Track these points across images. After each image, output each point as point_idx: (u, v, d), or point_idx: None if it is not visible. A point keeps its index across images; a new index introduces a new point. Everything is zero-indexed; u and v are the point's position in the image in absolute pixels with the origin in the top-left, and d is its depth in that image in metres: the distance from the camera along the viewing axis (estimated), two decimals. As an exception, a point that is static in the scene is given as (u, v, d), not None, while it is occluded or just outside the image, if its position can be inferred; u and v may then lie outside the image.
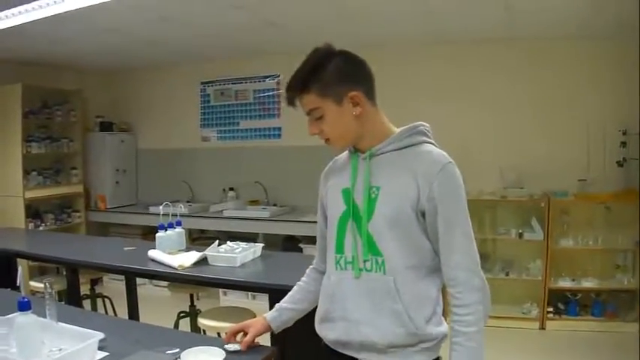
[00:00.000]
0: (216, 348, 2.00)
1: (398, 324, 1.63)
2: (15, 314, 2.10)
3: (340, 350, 1.77)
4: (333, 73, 1.63)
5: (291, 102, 1.69)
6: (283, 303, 2.00)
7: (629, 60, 4.99)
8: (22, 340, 1.96)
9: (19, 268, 2.25)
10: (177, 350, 1.91)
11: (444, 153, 1.68)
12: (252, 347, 1.97)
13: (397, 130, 1.74)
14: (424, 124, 1.76)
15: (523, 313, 5.18)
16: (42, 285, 4.00)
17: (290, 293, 2.02)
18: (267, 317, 1.98)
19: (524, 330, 5.03)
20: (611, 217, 5.06)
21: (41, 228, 6.32)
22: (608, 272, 5.15)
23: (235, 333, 1.97)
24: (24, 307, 2.07)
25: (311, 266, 2.04)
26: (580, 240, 5.10)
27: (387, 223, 1.63)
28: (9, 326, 2.03)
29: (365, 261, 1.67)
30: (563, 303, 5.16)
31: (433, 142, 1.74)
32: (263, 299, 5.33)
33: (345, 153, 1.84)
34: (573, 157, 5.24)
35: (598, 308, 5.06)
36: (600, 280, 5.08)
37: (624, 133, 5.04)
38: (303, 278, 2.04)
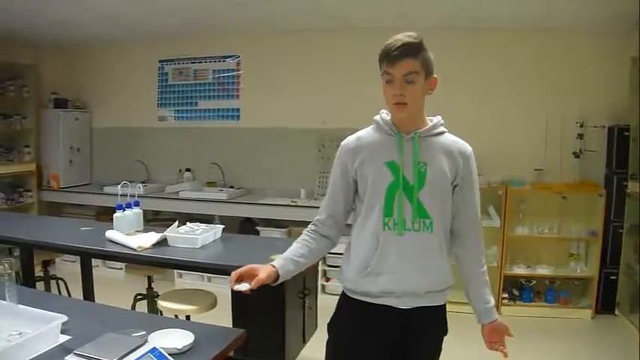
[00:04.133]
0: (184, 330, 1.97)
1: (438, 274, 2.08)
2: (-31, 296, 2.00)
3: (378, 301, 2.03)
4: (431, 56, 2.03)
5: (407, 54, 1.97)
6: (288, 254, 2.08)
7: (588, 54, 5.10)
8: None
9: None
10: (144, 332, 1.86)
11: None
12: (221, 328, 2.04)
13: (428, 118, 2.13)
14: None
15: (479, 298, 5.21)
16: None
17: (292, 247, 2.11)
18: (275, 264, 2.02)
19: (479, 315, 5.05)
20: (567, 207, 5.15)
21: (-9, 207, 6.10)
22: (561, 260, 5.27)
23: (241, 275, 1.94)
24: (-20, 288, 1.97)
25: (312, 227, 2.17)
26: (535, 228, 5.19)
27: (434, 192, 2.02)
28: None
29: (414, 222, 2.00)
30: (517, 289, 5.25)
31: None
32: (219, 282, 5.29)
33: (369, 133, 2.12)
34: (531, 147, 5.32)
35: (551, 295, 5.17)
36: (554, 268, 5.19)
37: (581, 126, 5.17)
38: (303, 237, 2.15)
